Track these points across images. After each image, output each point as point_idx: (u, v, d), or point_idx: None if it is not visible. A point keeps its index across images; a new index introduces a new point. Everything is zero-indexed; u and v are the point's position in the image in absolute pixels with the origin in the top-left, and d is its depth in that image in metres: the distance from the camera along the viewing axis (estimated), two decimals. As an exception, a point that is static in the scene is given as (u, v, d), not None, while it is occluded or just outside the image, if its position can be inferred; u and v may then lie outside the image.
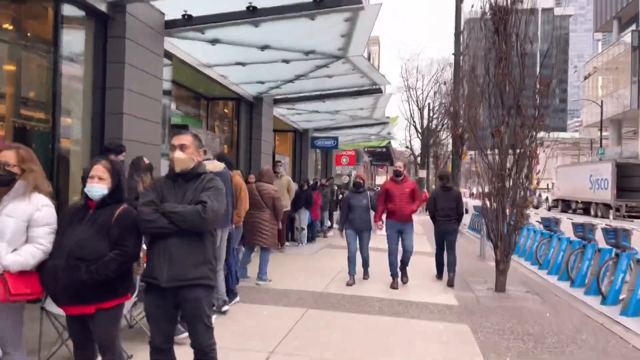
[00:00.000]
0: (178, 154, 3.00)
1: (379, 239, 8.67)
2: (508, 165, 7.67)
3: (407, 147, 46.90)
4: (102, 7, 6.12)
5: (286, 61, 9.05)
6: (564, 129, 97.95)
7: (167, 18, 7.19)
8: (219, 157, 5.78)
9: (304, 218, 12.24)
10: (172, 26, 7.24)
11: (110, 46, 6.28)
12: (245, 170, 11.55)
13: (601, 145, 44.21)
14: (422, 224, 17.33)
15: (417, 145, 44.78)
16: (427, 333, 5.39)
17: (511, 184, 7.63)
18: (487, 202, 7.83)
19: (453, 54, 19.20)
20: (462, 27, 19.22)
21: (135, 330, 4.76)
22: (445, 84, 28.94)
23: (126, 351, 4.00)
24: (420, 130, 41.95)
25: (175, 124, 9.09)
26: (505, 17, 7.70)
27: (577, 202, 32.83)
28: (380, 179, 46.83)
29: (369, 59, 17.40)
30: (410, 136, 45.22)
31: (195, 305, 2.95)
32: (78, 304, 2.89)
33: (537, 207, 35.44)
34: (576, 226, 9.19)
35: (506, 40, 7.68)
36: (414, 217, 7.94)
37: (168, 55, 7.99)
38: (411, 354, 4.74)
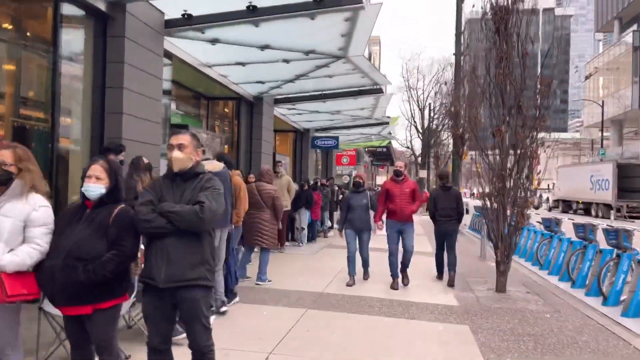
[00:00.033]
0: (176, 153, 2.99)
1: (379, 239, 8.65)
2: (509, 165, 7.64)
3: (407, 147, 46.91)
4: (102, 7, 6.11)
5: (286, 61, 9.03)
6: (564, 130, 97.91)
7: (166, 17, 7.19)
8: (219, 157, 5.77)
9: (304, 218, 12.22)
10: (172, 25, 7.23)
11: (110, 45, 6.27)
12: (245, 170, 11.53)
13: (602, 146, 44.15)
14: (422, 224, 17.31)
15: (417, 145, 44.81)
16: (427, 334, 5.37)
17: (512, 184, 7.61)
18: (488, 203, 7.81)
19: (454, 54, 19.19)
20: (463, 28, 19.19)
21: (133, 330, 4.74)
22: (446, 84, 28.90)
23: (124, 351, 4.00)
24: (421, 131, 41.94)
25: (175, 124, 9.07)
26: (506, 17, 7.68)
27: (577, 202, 32.79)
28: (381, 179, 46.78)
29: (369, 59, 17.39)
30: (411, 136, 45.26)
31: (192, 306, 2.93)
32: (75, 304, 2.87)
33: (537, 208, 35.39)
34: (577, 227, 9.16)
35: (507, 40, 7.66)
36: (415, 217, 7.90)
37: (168, 55, 7.98)
38: (411, 354, 4.72)
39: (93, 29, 6.24)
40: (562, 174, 36.14)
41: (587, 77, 55.06)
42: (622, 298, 7.15)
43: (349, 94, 12.44)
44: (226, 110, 12.99)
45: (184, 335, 3.18)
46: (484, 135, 8.61)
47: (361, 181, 7.96)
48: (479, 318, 6.06)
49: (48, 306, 3.55)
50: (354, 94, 12.38)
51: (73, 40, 6.15)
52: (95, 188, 2.93)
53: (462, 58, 18.71)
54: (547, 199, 40.47)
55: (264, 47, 8.22)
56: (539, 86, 7.86)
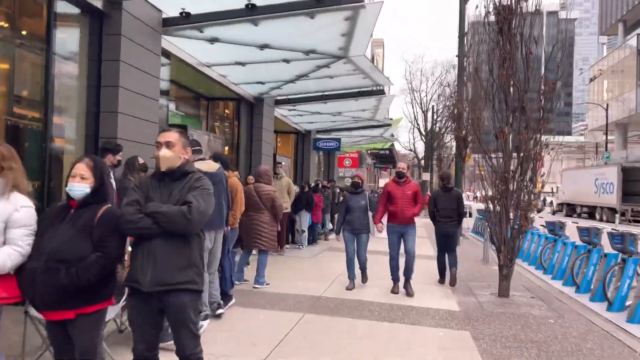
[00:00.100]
0: (163, 151, 2.86)
1: (379, 241, 8.51)
2: (512, 167, 7.51)
3: (410, 150, 46.77)
4: (98, 4, 6.01)
5: (286, 61, 8.92)
6: (569, 133, 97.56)
7: (164, 16, 7.09)
8: (215, 157, 5.65)
9: (304, 220, 12.09)
10: (170, 24, 7.13)
11: (106, 43, 6.17)
12: (245, 172, 11.43)
13: (606, 149, 43.90)
14: (425, 227, 17.16)
15: (420, 148, 44.67)
16: (427, 339, 5.23)
17: (515, 186, 7.47)
18: (491, 206, 7.67)
19: (457, 55, 19.04)
20: (466, 30, 19.05)
21: (125, 335, 4.61)
22: (448, 86, 28.77)
23: (112, 357, 3.88)
24: (424, 133, 41.81)
25: (174, 124, 8.97)
26: (509, 17, 7.56)
27: (581, 206, 32.57)
28: (384, 182, 46.61)
29: (372, 61, 17.28)
30: (414, 139, 45.12)
31: (180, 311, 2.80)
32: (57, 308, 2.75)
33: (539, 211, 35.23)
34: (581, 230, 9.01)
35: (510, 40, 7.54)
36: (417, 220, 7.72)
37: (166, 54, 7.89)
38: (410, 361, 4.58)
39: (89, 27, 6.14)
40: (566, 178, 35.94)
41: (591, 80, 54.83)
42: (627, 303, 7.00)
43: (350, 95, 12.33)
44: (226, 111, 12.89)
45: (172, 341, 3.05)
46: (487, 138, 8.48)
47: (360, 181, 7.78)
48: (480, 323, 5.91)
49: (33, 310, 3.42)
50: (355, 95, 12.26)
51: (68, 38, 6.05)
52: (80, 187, 2.81)
53: (465, 60, 18.56)
54: (551, 202, 40.24)
55: (263, 47, 8.11)
56: (542, 87, 7.73)
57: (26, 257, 2.78)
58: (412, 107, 44.10)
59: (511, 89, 7.56)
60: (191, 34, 7.50)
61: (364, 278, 7.87)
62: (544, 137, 7.59)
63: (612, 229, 9.01)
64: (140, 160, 5.69)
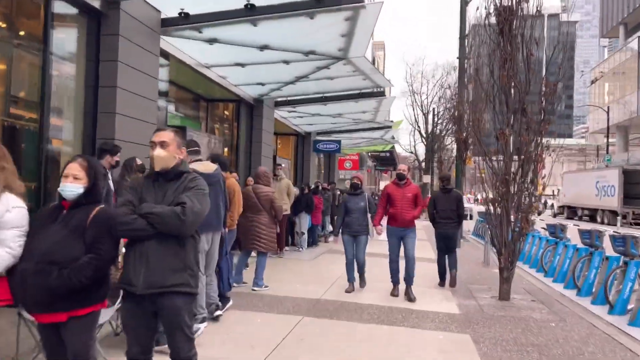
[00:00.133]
0: (158, 151, 2.81)
1: (378, 244, 8.45)
2: (512, 169, 7.45)
3: (411, 152, 46.70)
4: (96, 4, 5.97)
5: (286, 62, 8.88)
6: (569, 135, 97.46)
7: (163, 16, 7.05)
8: (213, 158, 5.60)
9: (304, 222, 12.03)
10: (169, 24, 7.09)
11: (104, 44, 6.13)
12: (245, 174, 11.39)
13: (607, 152, 43.82)
14: (425, 229, 17.09)
15: (421, 150, 44.60)
16: (427, 343, 5.17)
17: (516, 189, 7.41)
18: (491, 208, 7.61)
19: (458, 57, 18.99)
20: (466, 32, 19.01)
21: (121, 338, 4.54)
22: (449, 87, 28.74)
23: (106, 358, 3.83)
24: (424, 135, 41.75)
25: (173, 125, 8.92)
26: (510, 18, 7.51)
27: (583, 208, 32.49)
28: (384, 184, 46.47)
29: (373, 63, 17.23)
30: (414, 141, 45.06)
31: (174, 314, 2.74)
32: (49, 311, 2.70)
33: (539, 214, 35.17)
34: (583, 233, 8.96)
35: (511, 41, 7.49)
36: (417, 222, 7.64)
37: (165, 54, 7.85)
38: (409, 365, 4.52)
39: (86, 27, 6.10)
40: (567, 180, 35.89)
41: (592, 82, 54.77)
42: (629, 307, 6.94)
43: (351, 97, 12.28)
44: (226, 112, 12.84)
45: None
46: (487, 140, 8.42)
47: (359, 183, 7.67)
48: (481, 327, 5.85)
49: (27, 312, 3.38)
50: (356, 96, 12.22)
51: (65, 38, 6.00)
52: (72, 188, 2.76)
53: (465, 62, 18.51)
54: (552, 205, 40.16)
55: (262, 48, 8.07)
56: (544, 89, 7.68)
57: (17, 259, 2.73)
58: (413, 110, 43.97)
59: (512, 91, 7.52)
60: (190, 34, 7.46)
61: (362, 282, 7.69)
62: (544, 139, 7.54)
63: (613, 231, 8.95)
64: (138, 162, 5.65)
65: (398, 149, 41.00)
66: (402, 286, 7.32)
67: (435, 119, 39.46)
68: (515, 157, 7.49)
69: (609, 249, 8.04)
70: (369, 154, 33.01)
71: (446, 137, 37.30)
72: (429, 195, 29.37)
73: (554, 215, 36.81)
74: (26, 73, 5.82)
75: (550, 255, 10.24)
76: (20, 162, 5.65)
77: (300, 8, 6.73)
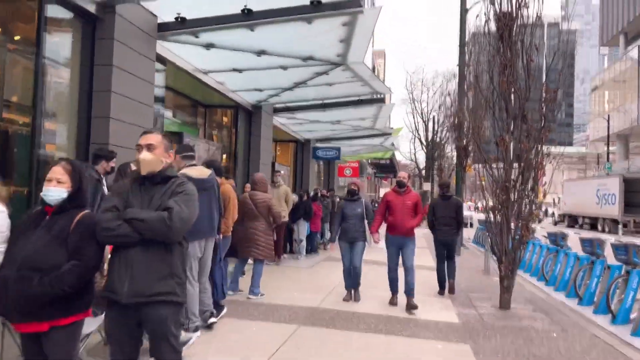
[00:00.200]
0: (144, 154, 2.71)
1: (377, 251, 8.31)
2: (513, 176, 7.36)
3: (411, 160, 46.62)
4: (91, 8, 5.91)
5: (284, 68, 8.83)
6: (570, 144, 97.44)
7: (159, 21, 6.99)
8: (208, 163, 5.51)
9: (302, 229, 11.91)
10: (165, 29, 7.04)
11: (98, 48, 6.06)
12: (243, 180, 11.30)
13: (608, 160, 43.74)
14: (424, 237, 16.96)
15: (421, 158, 44.53)
16: (425, 353, 5.05)
17: (516, 196, 7.31)
18: (491, 215, 7.51)
19: (458, 64, 18.96)
20: (467, 39, 18.99)
21: (111, 346, 4.44)
22: (449, 95, 28.72)
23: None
24: (425, 143, 41.70)
25: (169, 132, 8.84)
26: (510, 24, 7.46)
27: (583, 217, 32.37)
28: (384, 192, 46.33)
29: (373, 71, 17.19)
30: (415, 149, 45.00)
31: (159, 324, 2.63)
32: (30, 320, 2.59)
33: (539, 222, 35.06)
34: (584, 241, 8.85)
35: (511, 47, 7.43)
36: (417, 230, 7.46)
37: (162, 60, 7.79)
38: (407, 376, 4.39)
39: (81, 31, 6.04)
40: (567, 188, 35.80)
41: (593, 90, 54.80)
42: (632, 316, 6.82)
43: (350, 103, 12.22)
44: (224, 118, 12.77)
45: None
46: (487, 147, 8.34)
47: (356, 189, 7.53)
48: (481, 337, 5.72)
49: (10, 321, 3.26)
50: (355, 103, 12.16)
51: (59, 42, 5.94)
52: (55, 192, 2.66)
53: (465, 69, 18.47)
54: (552, 213, 40.04)
55: (260, 53, 8.01)
56: (544, 95, 7.60)
57: None
58: (413, 117, 43.93)
59: (512, 97, 7.45)
60: (187, 39, 7.41)
61: (356, 295, 7.29)
62: (545, 147, 7.45)
63: (615, 240, 8.85)
64: (133, 167, 5.53)
65: (398, 157, 40.97)
66: (400, 295, 7.16)
67: (436, 127, 39.43)
68: (516, 165, 7.41)
69: (610, 258, 7.93)
70: (369, 161, 32.95)
71: (446, 145, 37.23)
72: (429, 203, 29.28)
73: (555, 224, 36.68)
74: (19, 77, 5.75)
75: (551, 264, 10.12)
76: (12, 167, 5.57)
77: (297, 13, 6.68)
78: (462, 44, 18.65)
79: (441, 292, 8.15)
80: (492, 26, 7.69)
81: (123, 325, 2.66)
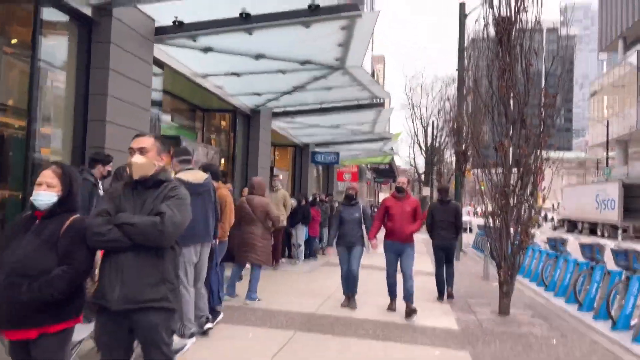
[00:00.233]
0: (136, 158, 2.66)
1: (375, 256, 8.25)
2: (512, 181, 7.32)
3: (411, 165, 46.59)
4: (87, 11, 5.87)
5: (282, 72, 8.80)
6: (569, 149, 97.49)
7: (157, 24, 6.96)
8: (205, 167, 5.46)
9: (300, 234, 11.85)
10: (163, 32, 7.00)
11: (95, 51, 6.02)
12: (241, 185, 11.25)
13: (607, 165, 43.74)
14: (425, 242, 16.89)
15: (421, 162, 44.49)
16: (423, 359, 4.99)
17: (515, 201, 7.27)
18: (491, 221, 7.46)
19: (457, 69, 18.96)
20: (466, 44, 19.00)
21: (104, 353, 4.38)
22: (448, 99, 28.72)
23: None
24: (424, 148, 41.68)
25: (166, 135, 8.80)
26: (509, 28, 7.44)
27: (583, 222, 32.34)
28: (384, 196, 46.23)
29: (373, 76, 17.17)
30: (414, 153, 44.97)
31: (150, 332, 2.57)
32: (18, 327, 2.53)
33: (539, 227, 35.01)
34: (584, 247, 8.80)
35: (510, 51, 7.41)
36: (416, 235, 7.36)
37: (160, 64, 7.76)
38: (405, 384, 4.33)
39: (77, 34, 6.00)
40: (567, 194, 35.78)
41: (592, 94, 54.89)
42: (632, 322, 6.76)
43: (349, 108, 12.18)
44: (222, 122, 12.74)
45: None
46: (486, 152, 8.30)
47: (353, 193, 7.43)
48: (480, 343, 5.66)
49: None
50: (354, 107, 12.12)
51: (55, 45, 5.90)
52: (45, 196, 2.61)
53: (465, 73, 18.46)
54: (552, 218, 40.01)
55: (258, 57, 7.98)
56: (543, 99, 7.57)
57: None
58: (413, 122, 43.92)
59: (511, 101, 7.42)
60: (185, 42, 7.38)
61: (353, 303, 7.09)
62: (544, 152, 7.41)
63: (615, 245, 8.80)
64: (129, 171, 5.50)
65: (398, 162, 40.95)
66: (399, 301, 7.06)
67: (435, 132, 39.42)
68: (515, 170, 7.37)
69: (609, 263, 7.88)
70: (368, 166, 32.93)
71: (445, 150, 37.21)
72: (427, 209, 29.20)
73: (554, 229, 36.64)
74: (14, 80, 5.71)
75: (551, 269, 10.06)
76: (7, 171, 5.52)
77: (295, 17, 6.65)
78: (461, 49, 18.66)
79: (440, 297, 8.09)
80: (491, 30, 7.68)
81: (113, 333, 2.60)
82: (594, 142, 58.11)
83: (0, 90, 5.53)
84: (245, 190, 9.04)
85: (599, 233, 29.46)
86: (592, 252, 8.53)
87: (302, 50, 7.97)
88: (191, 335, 4.86)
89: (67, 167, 2.78)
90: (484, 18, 7.73)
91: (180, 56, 8.12)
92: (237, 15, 6.67)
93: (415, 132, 43.05)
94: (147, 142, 2.71)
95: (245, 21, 6.73)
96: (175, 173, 4.90)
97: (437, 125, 39.31)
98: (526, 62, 7.38)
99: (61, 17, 5.80)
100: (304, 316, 6.44)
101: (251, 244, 6.93)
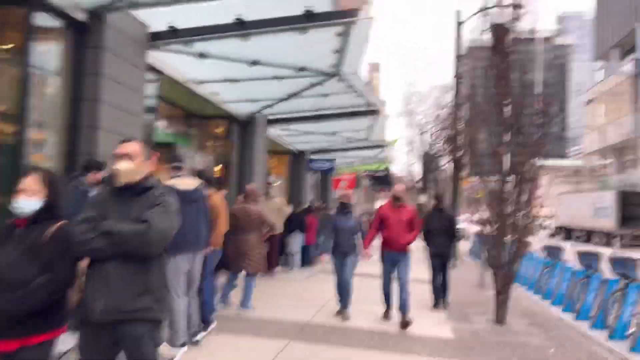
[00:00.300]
0: (121, 164, 2.59)
1: (370, 263, 8.14)
2: (508, 189, 7.27)
3: (407, 172, 46.57)
4: (80, 17, 5.82)
5: (278, 78, 8.75)
6: (564, 157, 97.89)
7: (151, 30, 6.91)
8: (197, 174, 5.39)
9: (296, 242, 11.77)
10: (157, 38, 6.95)
11: (88, 57, 5.96)
12: (236, 192, 11.16)
13: (603, 173, 43.85)
14: (420, 250, 16.81)
15: (417, 170, 44.44)
16: (419, 371, 4.91)
17: (511, 209, 7.22)
18: (487, 228, 7.40)
19: (455, 76, 18.99)
20: (462, 52, 19.05)
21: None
22: (444, 107, 28.78)
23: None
24: (420, 155, 41.66)
25: (160, 142, 8.72)
26: (504, 35, 7.44)
27: (579, 229, 32.34)
28: (380, 204, 46.13)
29: (369, 84, 17.18)
30: (410, 161, 44.94)
31: (136, 344, 2.48)
32: (-1, 338, 2.45)
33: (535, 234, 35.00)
34: (581, 255, 8.75)
35: (505, 59, 7.40)
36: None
37: (154, 70, 7.69)
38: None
39: (70, 40, 5.93)
40: (563, 201, 35.79)
41: (587, 102, 55.14)
42: (629, 331, 6.69)
43: (344, 115, 12.13)
44: (218, 130, 12.66)
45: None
46: (482, 161, 8.26)
47: (348, 201, 7.32)
48: (476, 353, 5.59)
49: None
50: (349, 114, 12.07)
51: (47, 50, 5.84)
52: (27, 204, 2.54)
53: (461, 81, 18.50)
54: (548, 225, 40.01)
55: (253, 63, 7.92)
56: (539, 106, 7.56)
57: None
58: (409, 130, 43.93)
59: (506, 109, 7.40)
60: (179, 48, 7.33)
61: (345, 314, 6.91)
62: (540, 160, 7.38)
63: (612, 253, 8.76)
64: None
65: (394, 169, 40.92)
66: (394, 310, 6.97)
67: (431, 140, 39.42)
68: (511, 177, 7.33)
69: (606, 271, 7.83)
70: (365, 172, 32.88)
71: (442, 158, 37.21)
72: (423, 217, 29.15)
73: (551, 236, 36.63)
74: (5, 86, 5.63)
75: (548, 277, 10.00)
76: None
77: (290, 23, 6.61)
78: (458, 56, 18.70)
79: (436, 305, 8.02)
80: (487, 38, 7.69)
81: (97, 345, 2.51)
82: (589, 150, 58.27)
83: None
84: (240, 197, 8.96)
85: (594, 241, 29.46)
86: (588, 260, 8.48)
87: (298, 57, 7.94)
88: (182, 345, 4.77)
89: (50, 173, 2.71)
90: (480, 25, 7.75)
91: (175, 62, 8.07)
92: (232, 21, 6.61)
93: (411, 139, 43.06)
94: (133, 147, 2.64)
95: (240, 27, 6.68)
96: (169, 180, 4.83)
97: (434, 133, 39.34)
98: (521, 69, 7.38)
99: (53, 22, 5.74)
100: (298, 325, 6.35)
101: (245, 252, 6.85)
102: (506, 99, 7.31)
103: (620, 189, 28.85)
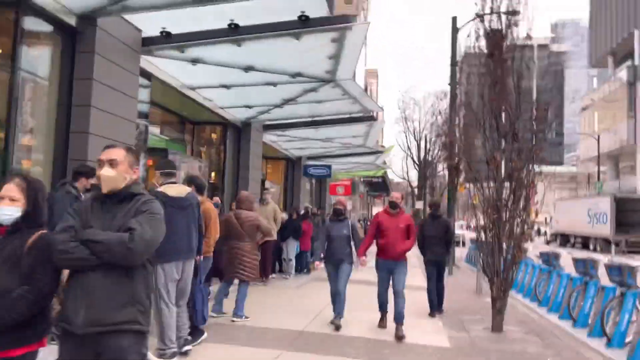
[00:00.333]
0: (106, 170, 2.50)
1: (366, 270, 8.05)
2: (504, 195, 7.22)
3: (404, 179, 46.57)
4: (71, 21, 5.76)
5: (273, 84, 8.71)
6: (560, 163, 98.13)
7: (144, 35, 6.85)
8: (189, 180, 5.31)
9: (291, 248, 11.67)
10: (150, 43, 6.90)
11: (78, 61, 5.89)
12: (231, 199, 11.07)
13: (599, 180, 43.95)
14: (416, 257, 16.73)
15: (414, 176, 44.45)
16: (414, 381, 4.81)
17: (508, 215, 7.16)
18: (483, 235, 7.33)
19: (449, 84, 18.99)
20: (458, 59, 19.06)
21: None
22: (440, 114, 28.83)
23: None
24: (417, 162, 41.68)
25: (153, 148, 8.65)
26: (500, 41, 7.41)
27: (575, 236, 32.35)
28: (377, 210, 46.08)
29: (365, 90, 17.11)
30: (407, 167, 44.95)
31: (120, 356, 2.38)
32: (-24, 352, 2.35)
33: (531, 241, 34.97)
34: (577, 262, 8.69)
35: (501, 64, 7.36)
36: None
37: (148, 75, 7.64)
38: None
39: (60, 44, 5.88)
40: (559, 208, 35.82)
41: (583, 109, 55.37)
42: (627, 339, 6.61)
43: (340, 121, 12.10)
44: (213, 135, 12.60)
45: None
46: (479, 166, 8.21)
47: (342, 208, 7.15)
48: (472, 362, 5.50)
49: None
50: (345, 121, 12.04)
51: (37, 55, 5.78)
52: (8, 211, 2.45)
53: (457, 88, 18.49)
54: (545, 232, 40.04)
55: (248, 69, 7.89)
56: (534, 113, 7.52)
57: None
58: (406, 137, 43.98)
59: (502, 115, 7.36)
60: (172, 54, 7.28)
61: (338, 318, 6.66)
62: (536, 166, 7.34)
63: (608, 260, 8.70)
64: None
65: (391, 175, 40.91)
66: (389, 321, 6.79)
67: (427, 146, 39.47)
68: (507, 184, 7.28)
69: (603, 278, 7.76)
70: (361, 179, 32.84)
71: (438, 164, 37.23)
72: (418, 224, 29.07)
73: (547, 243, 36.63)
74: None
75: (544, 284, 9.93)
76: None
77: (285, 28, 6.58)
78: (454, 64, 18.71)
79: (432, 313, 7.93)
80: (483, 44, 7.66)
81: (79, 358, 2.41)
82: (585, 157, 58.44)
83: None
84: (234, 204, 8.88)
85: (591, 247, 29.45)
86: (585, 267, 8.41)
87: (293, 63, 7.90)
88: (172, 356, 4.66)
89: (32, 179, 2.61)
90: (475, 31, 7.71)
91: (169, 68, 8.02)
92: (226, 26, 6.57)
93: (408, 145, 43.09)
94: (118, 153, 2.55)
95: (234, 32, 6.64)
96: (160, 186, 4.75)
97: (430, 139, 39.38)
98: (517, 75, 7.34)
99: (44, 26, 5.68)
100: (292, 334, 6.25)
101: (239, 259, 6.76)
102: (502, 105, 7.27)
103: (616, 195, 28.85)
